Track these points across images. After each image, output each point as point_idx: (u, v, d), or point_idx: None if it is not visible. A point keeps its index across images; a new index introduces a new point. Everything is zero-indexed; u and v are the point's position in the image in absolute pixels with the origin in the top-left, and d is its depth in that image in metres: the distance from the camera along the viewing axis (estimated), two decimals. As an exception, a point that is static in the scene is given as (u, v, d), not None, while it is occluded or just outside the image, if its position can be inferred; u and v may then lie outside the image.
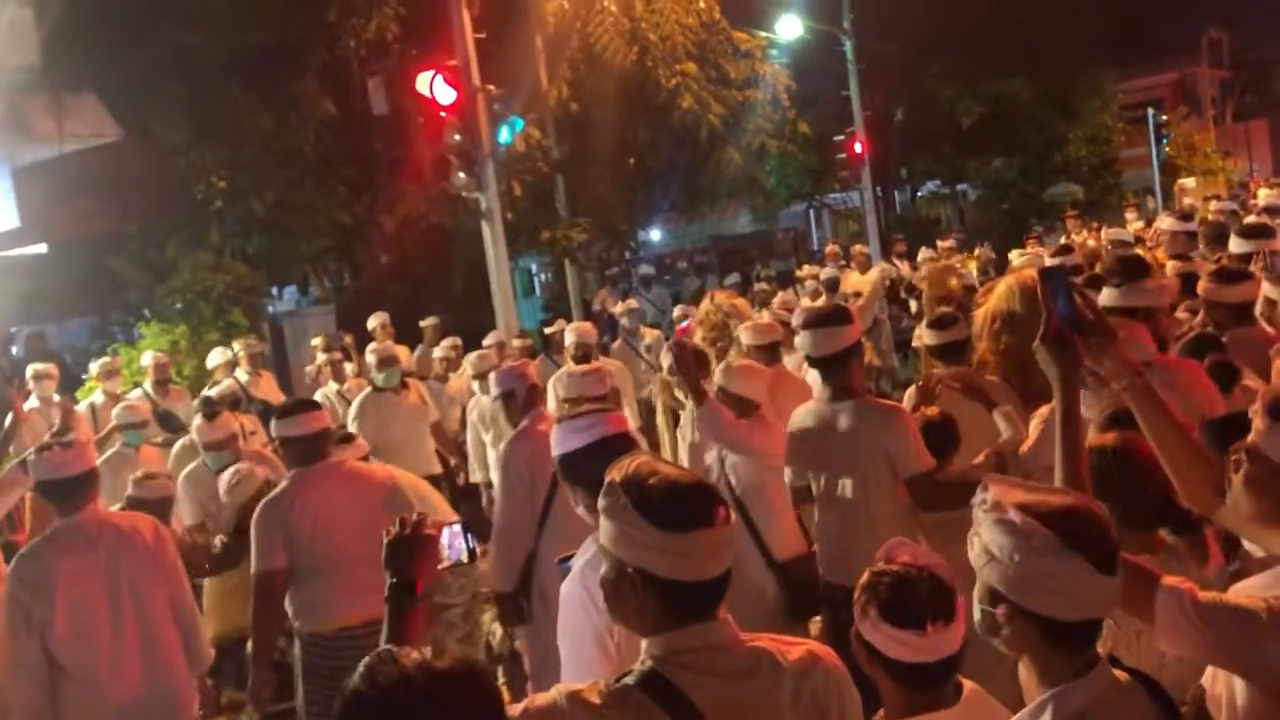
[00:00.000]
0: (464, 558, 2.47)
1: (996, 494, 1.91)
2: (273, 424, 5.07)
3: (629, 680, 1.90)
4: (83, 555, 4.12)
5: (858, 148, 20.72)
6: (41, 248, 14.02)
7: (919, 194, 30.25)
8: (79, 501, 4.17)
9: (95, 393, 9.19)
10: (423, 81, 10.95)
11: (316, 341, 10.59)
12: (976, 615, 1.96)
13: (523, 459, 4.87)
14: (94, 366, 9.72)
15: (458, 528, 2.47)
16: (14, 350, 13.76)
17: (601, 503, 1.95)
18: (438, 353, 9.91)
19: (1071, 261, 7.49)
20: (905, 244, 15.72)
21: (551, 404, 6.31)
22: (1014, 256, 9.56)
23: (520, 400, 5.20)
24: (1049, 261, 7.24)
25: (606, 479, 1.97)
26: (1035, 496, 1.92)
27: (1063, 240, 12.63)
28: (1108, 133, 27.28)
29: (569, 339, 8.32)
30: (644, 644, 1.95)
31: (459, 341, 10.13)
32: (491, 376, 6.01)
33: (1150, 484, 2.61)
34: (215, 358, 9.83)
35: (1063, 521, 1.86)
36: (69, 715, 4.09)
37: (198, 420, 6.51)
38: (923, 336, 5.31)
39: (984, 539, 1.91)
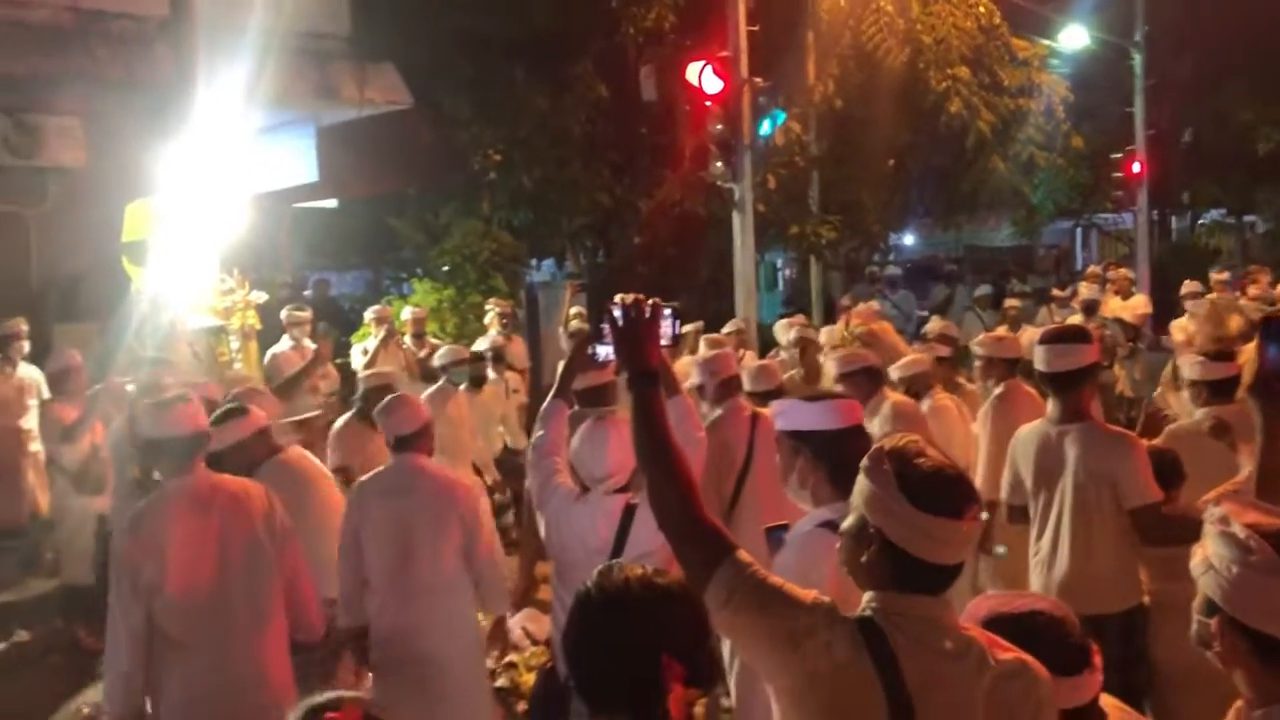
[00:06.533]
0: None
1: (1227, 510, 1.92)
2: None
3: (850, 616, 2.02)
4: (196, 518, 3.96)
5: (1136, 167, 19.59)
6: (332, 202, 15.36)
7: (1200, 222, 28.20)
8: (189, 463, 4.02)
9: (368, 339, 10.05)
10: (692, 71, 11.26)
11: (574, 310, 11.18)
12: (1193, 627, 1.96)
13: (712, 445, 4.95)
14: (368, 314, 10.63)
15: (669, 310, 2.57)
16: (305, 293, 15.06)
17: (865, 463, 2.08)
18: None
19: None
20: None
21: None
22: None
23: (710, 392, 5.40)
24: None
25: (875, 446, 2.11)
26: (1267, 518, 1.90)
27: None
28: None
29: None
30: (865, 596, 2.07)
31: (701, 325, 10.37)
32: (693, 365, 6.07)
33: None
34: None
35: None
36: (170, 684, 3.92)
37: None
38: (1190, 370, 5.12)
39: (1206, 549, 1.92)
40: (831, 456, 2.90)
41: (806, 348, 7.91)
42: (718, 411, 5.35)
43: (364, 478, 4.91)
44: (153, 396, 4.77)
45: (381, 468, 4.82)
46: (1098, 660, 2.19)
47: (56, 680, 4.06)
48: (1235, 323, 8.05)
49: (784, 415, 3.05)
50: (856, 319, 7.37)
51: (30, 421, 8.16)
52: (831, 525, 2.74)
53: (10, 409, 8.22)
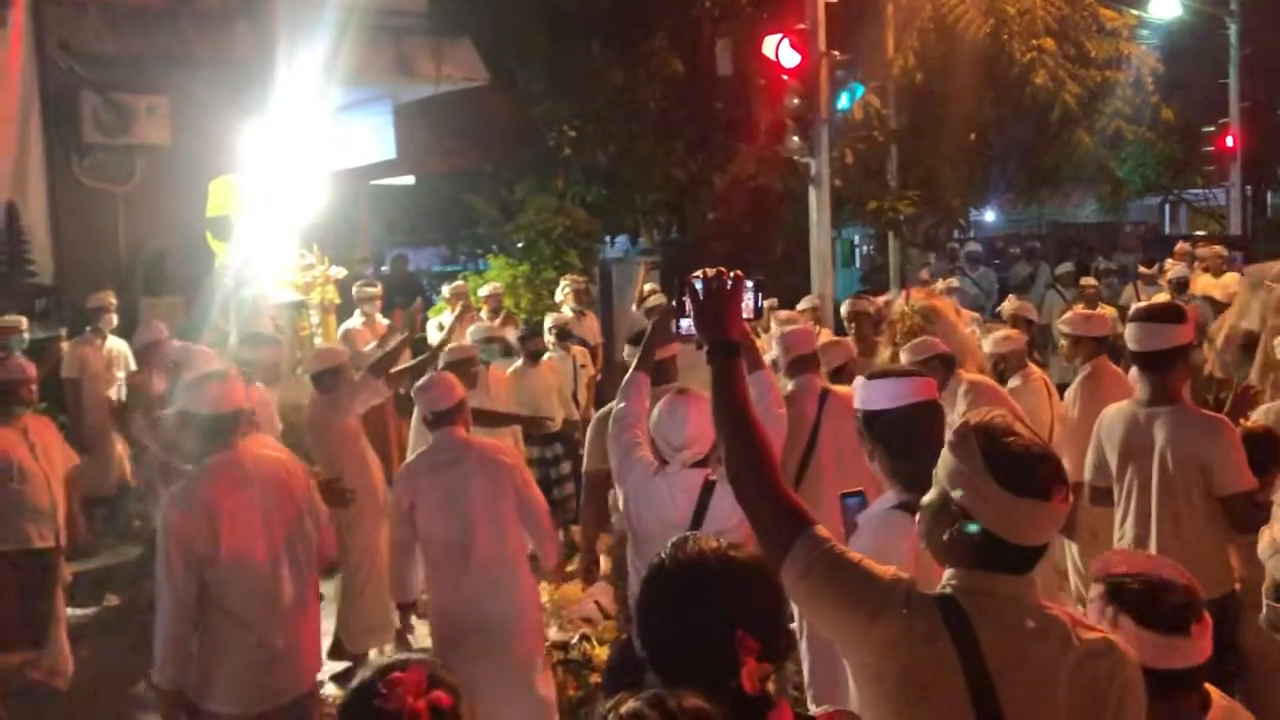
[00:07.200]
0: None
1: None
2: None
3: (929, 593, 1.98)
4: (242, 492, 4.00)
5: (1229, 141, 18.94)
6: (410, 179, 15.53)
7: (1297, 197, 27.20)
8: (232, 438, 4.05)
9: (444, 313, 10.14)
10: (769, 44, 11.09)
11: (648, 287, 11.16)
12: (1263, 612, 1.90)
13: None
14: (445, 289, 10.73)
15: (750, 283, 2.48)
16: (383, 269, 15.25)
17: (951, 439, 2.03)
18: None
19: None
20: None
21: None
22: None
23: (783, 367, 5.38)
24: None
25: (962, 422, 2.04)
26: None
27: None
28: None
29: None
30: (946, 573, 2.02)
31: (775, 302, 10.27)
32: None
33: None
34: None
35: None
36: (223, 654, 3.96)
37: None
38: (1277, 350, 4.93)
39: (1274, 532, 1.85)
40: (887, 435, 2.87)
41: (860, 321, 7.81)
42: (789, 386, 5.32)
43: (407, 460, 4.97)
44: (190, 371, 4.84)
45: (424, 448, 4.89)
46: (1198, 629, 2.14)
47: (144, 644, 4.17)
48: None
49: (855, 394, 3.03)
50: (918, 294, 7.25)
51: (118, 393, 8.37)
52: (906, 507, 2.74)
53: (99, 380, 8.44)
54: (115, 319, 8.70)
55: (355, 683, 1.74)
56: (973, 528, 1.96)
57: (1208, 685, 2.21)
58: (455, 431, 4.74)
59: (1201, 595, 2.16)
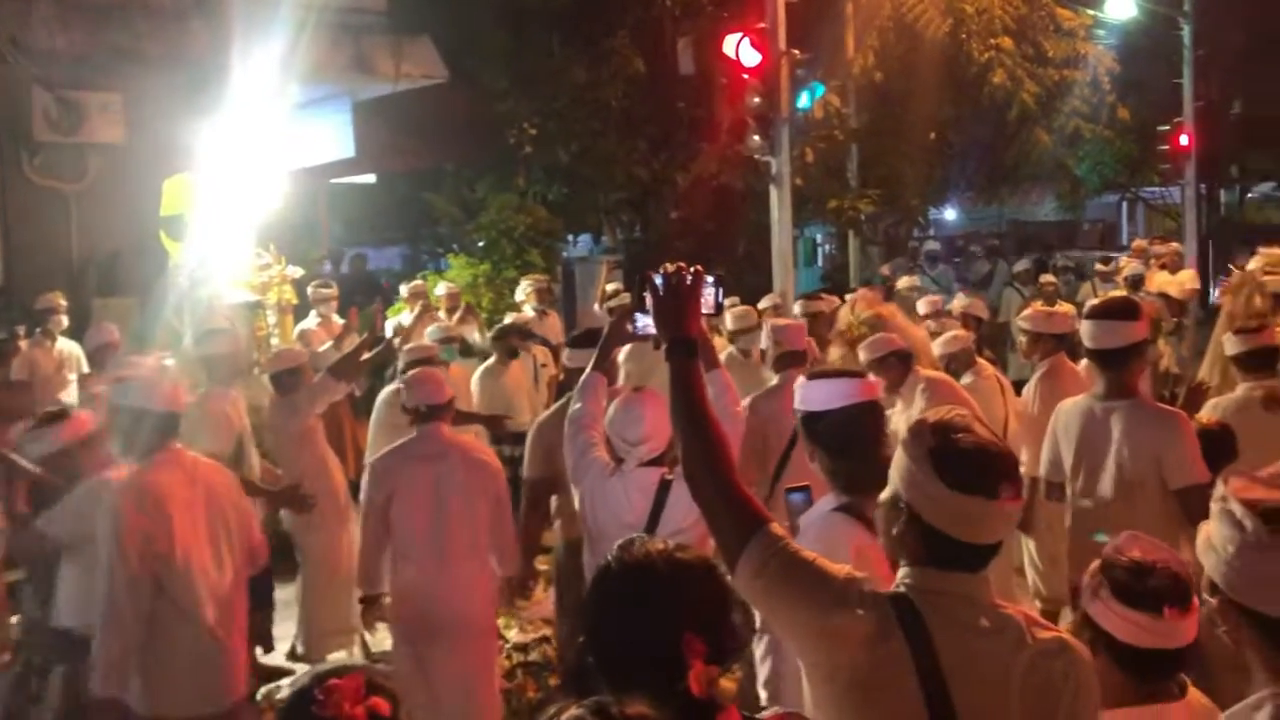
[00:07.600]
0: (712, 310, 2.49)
1: (1231, 487, 1.86)
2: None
3: (883, 592, 1.97)
4: (187, 490, 3.99)
5: (1184, 140, 19.16)
6: (370, 178, 15.40)
7: (1249, 195, 27.60)
8: (174, 438, 4.06)
9: (403, 313, 10.05)
10: (730, 43, 11.08)
11: (611, 286, 11.07)
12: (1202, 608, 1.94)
13: (760, 416, 4.94)
14: (404, 289, 10.63)
15: (711, 279, 2.44)
16: (342, 269, 15.10)
17: (905, 436, 2.01)
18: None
19: None
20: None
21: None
22: None
23: (770, 360, 5.42)
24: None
25: (919, 419, 2.02)
26: (1270, 494, 1.83)
27: None
28: None
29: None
30: (900, 571, 2.00)
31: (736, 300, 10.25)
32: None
33: None
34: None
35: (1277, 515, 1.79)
36: (170, 654, 3.90)
37: None
38: (1230, 345, 5.00)
39: (1209, 528, 1.87)
40: (828, 437, 2.86)
41: (815, 320, 7.80)
42: (774, 380, 5.28)
43: (388, 448, 4.96)
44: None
45: (405, 439, 4.88)
46: (1173, 613, 2.18)
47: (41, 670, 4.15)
48: (1258, 302, 7.80)
49: (795, 395, 3.03)
50: (862, 304, 7.23)
51: (70, 395, 8.22)
52: (846, 509, 2.76)
53: (50, 383, 8.28)
54: (65, 320, 8.56)
55: (293, 690, 1.70)
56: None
57: (1193, 692, 2.25)
58: (441, 428, 4.77)
59: (1193, 586, 2.19)
